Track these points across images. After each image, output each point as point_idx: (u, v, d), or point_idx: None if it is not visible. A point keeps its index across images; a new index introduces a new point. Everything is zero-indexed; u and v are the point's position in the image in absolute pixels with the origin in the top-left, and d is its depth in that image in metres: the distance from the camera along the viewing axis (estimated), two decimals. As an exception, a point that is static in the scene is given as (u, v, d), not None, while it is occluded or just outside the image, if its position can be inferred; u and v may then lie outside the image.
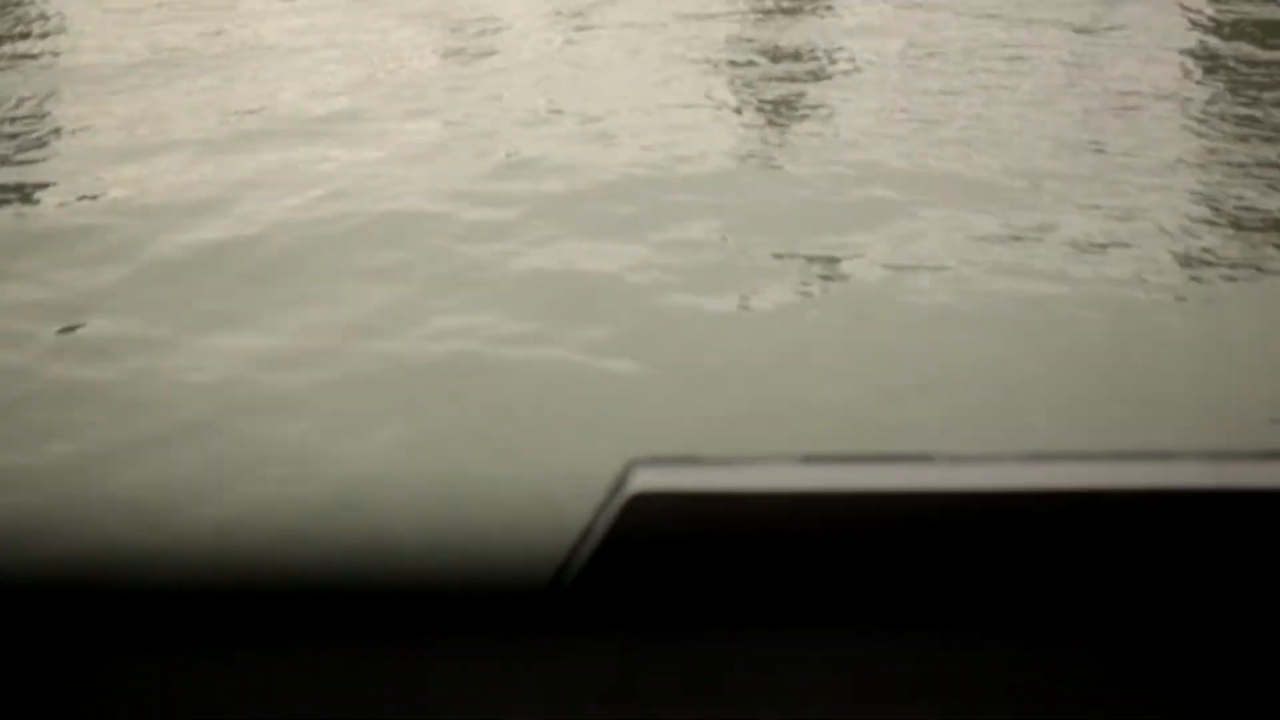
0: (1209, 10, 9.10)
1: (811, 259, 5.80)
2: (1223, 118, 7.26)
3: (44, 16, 10.25)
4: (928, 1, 9.45)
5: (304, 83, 8.64)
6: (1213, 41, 8.58)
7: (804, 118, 7.69)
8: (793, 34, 8.90)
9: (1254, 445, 0.79)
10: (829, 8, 9.86)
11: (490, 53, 9.06)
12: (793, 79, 8.28)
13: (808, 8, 9.57)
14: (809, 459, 0.79)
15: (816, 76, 8.32)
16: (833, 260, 5.80)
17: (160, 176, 7.22)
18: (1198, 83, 7.83)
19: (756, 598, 0.78)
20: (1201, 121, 7.31)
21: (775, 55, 8.71)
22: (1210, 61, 8.23)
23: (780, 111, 7.77)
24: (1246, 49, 8.31)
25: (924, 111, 7.51)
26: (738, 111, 7.88)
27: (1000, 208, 6.23)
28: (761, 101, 7.99)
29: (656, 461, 0.80)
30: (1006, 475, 0.77)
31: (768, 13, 9.59)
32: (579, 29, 9.63)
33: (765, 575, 0.78)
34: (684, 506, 0.78)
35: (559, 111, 7.83)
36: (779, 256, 5.83)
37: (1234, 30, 8.68)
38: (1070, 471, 0.77)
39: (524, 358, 5.16)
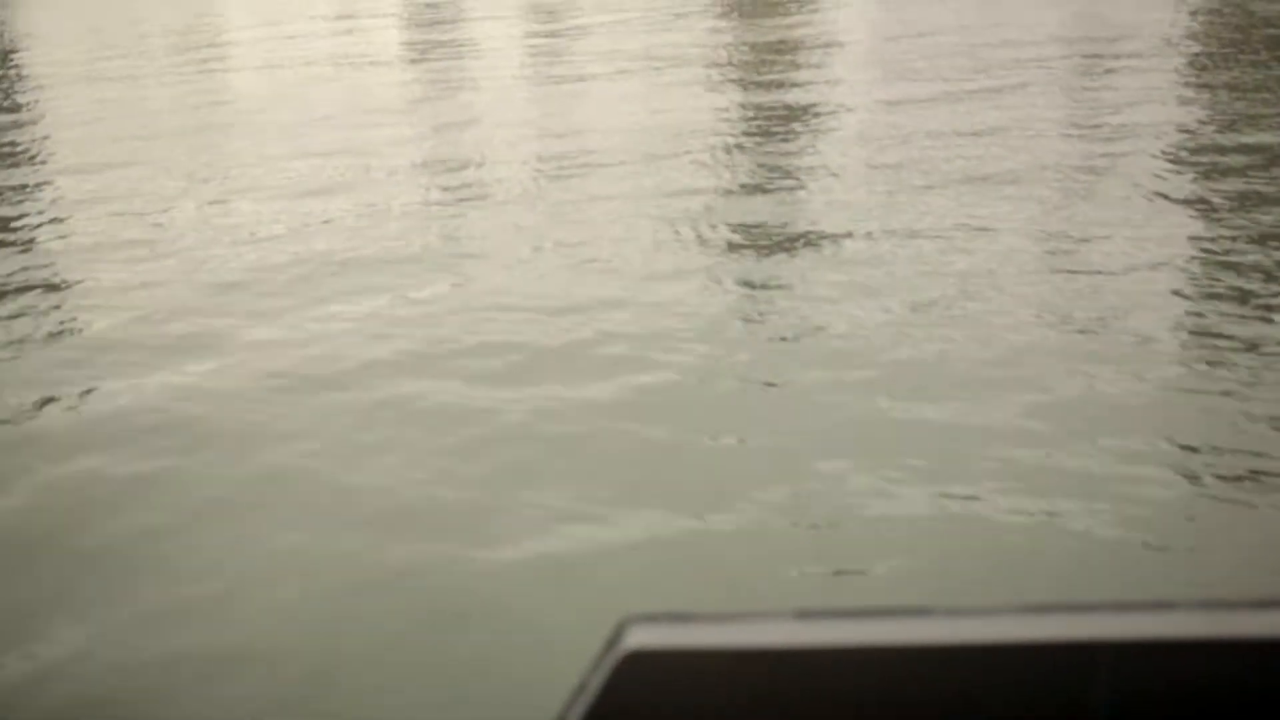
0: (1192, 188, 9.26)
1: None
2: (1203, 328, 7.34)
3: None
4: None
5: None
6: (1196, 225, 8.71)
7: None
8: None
9: (1250, 594, 0.78)
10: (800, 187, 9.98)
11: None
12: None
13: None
14: (804, 614, 0.79)
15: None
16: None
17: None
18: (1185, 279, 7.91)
19: None
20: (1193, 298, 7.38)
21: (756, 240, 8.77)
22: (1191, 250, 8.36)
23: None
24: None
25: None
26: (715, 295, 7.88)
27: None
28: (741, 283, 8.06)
29: (651, 618, 0.79)
30: (1005, 628, 0.77)
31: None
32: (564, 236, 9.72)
33: None
34: (679, 664, 0.77)
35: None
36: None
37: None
38: (1069, 622, 0.76)
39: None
